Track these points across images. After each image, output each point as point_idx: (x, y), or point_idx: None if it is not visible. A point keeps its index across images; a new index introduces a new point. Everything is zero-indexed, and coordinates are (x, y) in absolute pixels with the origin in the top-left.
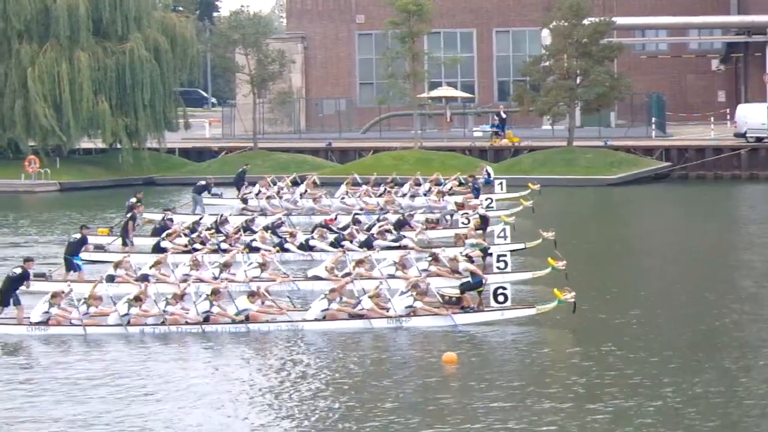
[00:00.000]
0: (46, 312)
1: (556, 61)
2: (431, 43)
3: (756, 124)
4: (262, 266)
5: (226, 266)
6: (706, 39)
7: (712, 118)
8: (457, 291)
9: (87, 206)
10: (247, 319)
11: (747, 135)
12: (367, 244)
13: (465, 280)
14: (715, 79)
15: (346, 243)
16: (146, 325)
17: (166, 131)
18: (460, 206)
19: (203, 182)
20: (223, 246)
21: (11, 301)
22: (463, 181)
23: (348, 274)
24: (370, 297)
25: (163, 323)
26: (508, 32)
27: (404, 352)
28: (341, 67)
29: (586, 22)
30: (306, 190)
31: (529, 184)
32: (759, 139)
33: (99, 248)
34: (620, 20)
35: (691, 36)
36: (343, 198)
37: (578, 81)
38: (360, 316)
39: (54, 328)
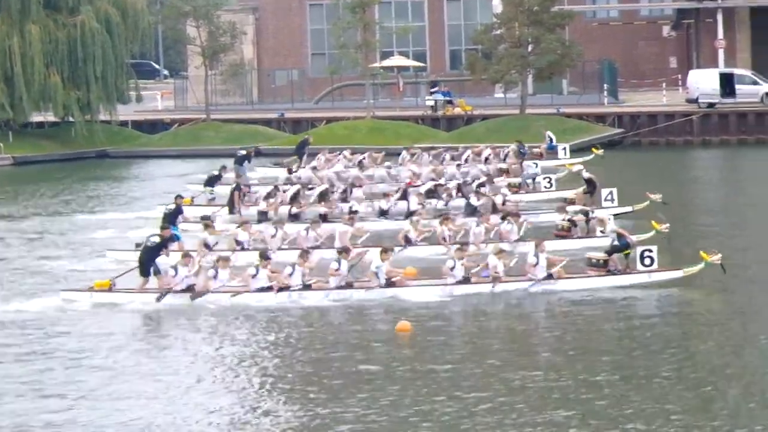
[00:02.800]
0: (187, 277)
1: (508, 30)
2: (382, 12)
3: (708, 89)
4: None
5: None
6: (657, 5)
7: (663, 85)
8: (605, 255)
9: (44, 180)
10: (391, 284)
11: (699, 101)
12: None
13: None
14: (667, 46)
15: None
16: (327, 289)
17: (119, 104)
18: (506, 172)
19: (243, 152)
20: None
21: (151, 270)
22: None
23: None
24: (495, 254)
25: (308, 287)
26: (460, 0)
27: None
28: (293, 37)
29: None
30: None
31: (593, 149)
32: (711, 105)
33: (205, 219)
34: None
35: (641, 2)
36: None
37: (530, 49)
38: (494, 280)
39: (207, 296)
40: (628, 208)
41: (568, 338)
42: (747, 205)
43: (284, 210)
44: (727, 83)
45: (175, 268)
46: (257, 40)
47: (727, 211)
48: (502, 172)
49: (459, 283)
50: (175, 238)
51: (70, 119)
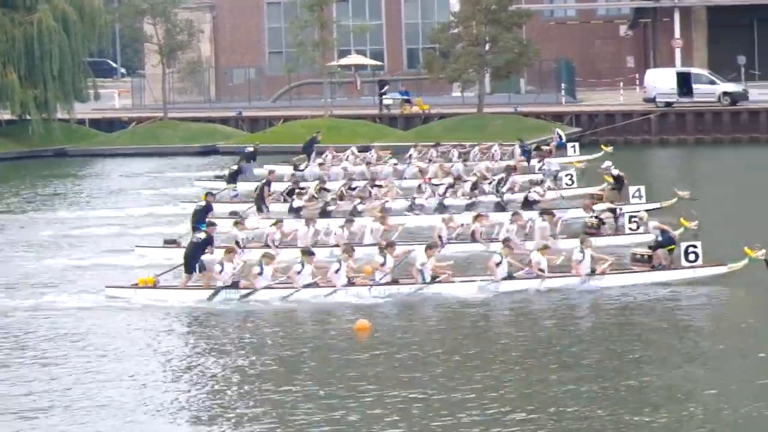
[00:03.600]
0: (233, 273)
1: (465, 28)
2: (340, 11)
3: (665, 88)
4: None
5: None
6: (614, 4)
7: (621, 84)
8: (649, 250)
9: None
10: (435, 280)
11: (656, 100)
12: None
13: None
14: (624, 45)
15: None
16: (370, 285)
17: (76, 102)
18: (513, 169)
19: (250, 148)
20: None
21: (197, 266)
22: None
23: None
24: (539, 251)
25: (353, 284)
26: None
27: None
28: (250, 35)
29: None
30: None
31: (603, 146)
32: (668, 104)
33: (234, 214)
34: None
35: (599, 2)
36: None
37: (487, 48)
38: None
39: (250, 292)
40: (657, 205)
41: (614, 334)
42: (712, 202)
43: (313, 207)
44: (684, 82)
45: (221, 263)
46: (214, 38)
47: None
48: (509, 169)
49: (504, 279)
50: None
51: (27, 117)
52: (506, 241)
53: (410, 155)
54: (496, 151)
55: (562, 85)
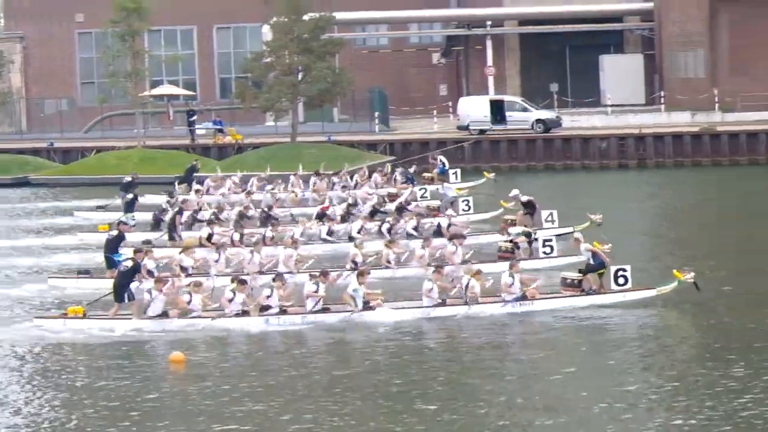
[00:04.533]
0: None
1: (278, 57)
2: (152, 40)
3: (478, 116)
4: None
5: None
6: (427, 33)
7: (434, 112)
8: (579, 274)
9: None
10: (368, 307)
11: (470, 127)
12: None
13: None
14: (437, 73)
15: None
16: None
17: None
18: (393, 196)
19: (129, 178)
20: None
21: (126, 296)
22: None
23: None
24: (472, 275)
25: (284, 312)
26: (229, 28)
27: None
28: (62, 66)
29: (306, 17)
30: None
31: (485, 173)
32: (482, 132)
33: (147, 243)
34: (340, 15)
35: (411, 30)
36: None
37: (300, 77)
38: (470, 302)
39: (178, 321)
40: (569, 229)
41: (540, 358)
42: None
43: (226, 235)
44: (498, 110)
45: (150, 292)
46: (25, 69)
47: None
48: (390, 196)
49: (437, 305)
50: (118, 264)
51: None
52: (438, 267)
53: (291, 183)
54: (375, 177)
55: (376, 113)
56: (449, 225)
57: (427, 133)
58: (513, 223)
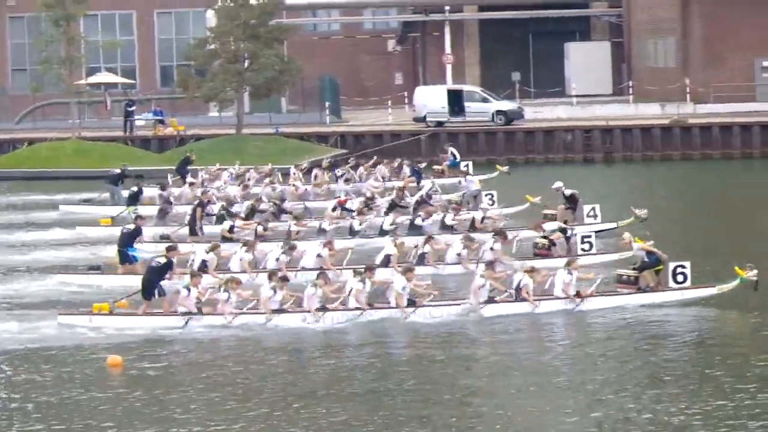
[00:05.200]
0: (197, 300)
1: (223, 44)
2: (88, 25)
3: (435, 107)
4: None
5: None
6: (382, 18)
7: (389, 102)
8: (635, 271)
9: None
10: (413, 303)
11: (427, 119)
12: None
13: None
14: (392, 61)
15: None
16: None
17: None
18: (402, 189)
19: (117, 170)
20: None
21: (156, 292)
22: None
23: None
24: (526, 272)
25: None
26: (171, 14)
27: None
28: None
29: (253, 2)
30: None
31: (498, 166)
32: (439, 124)
33: (165, 238)
34: (290, 0)
35: (365, 15)
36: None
37: (246, 65)
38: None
39: (208, 318)
40: (612, 225)
41: (597, 358)
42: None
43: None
44: (456, 101)
45: (188, 288)
46: None
47: None
48: (398, 190)
49: (486, 302)
50: (134, 259)
51: None
52: (489, 264)
53: (293, 174)
54: (381, 169)
55: (326, 104)
56: (483, 219)
57: (382, 124)
58: (552, 218)
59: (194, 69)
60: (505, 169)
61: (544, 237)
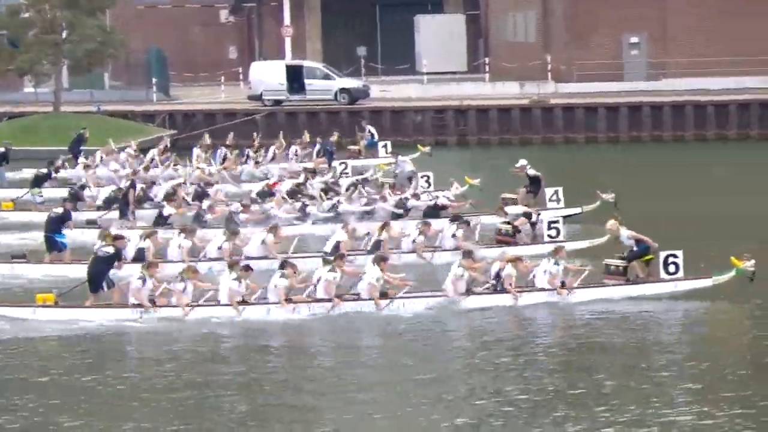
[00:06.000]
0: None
1: (38, 12)
2: None
3: (273, 84)
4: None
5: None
6: None
7: (222, 78)
8: (623, 261)
9: None
10: (384, 296)
11: (263, 98)
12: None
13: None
14: (225, 33)
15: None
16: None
17: None
18: (312, 172)
19: (2, 149)
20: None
21: (104, 284)
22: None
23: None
24: (510, 262)
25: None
26: None
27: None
28: None
29: None
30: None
31: (419, 146)
32: (277, 102)
33: (91, 223)
34: None
35: None
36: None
37: (64, 35)
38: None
39: (164, 310)
40: (577, 209)
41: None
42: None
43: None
44: (296, 77)
45: (143, 279)
46: None
47: None
48: (308, 172)
49: (465, 294)
50: (62, 246)
51: None
52: (467, 253)
53: (197, 156)
54: (296, 149)
55: (153, 80)
56: (444, 204)
57: (214, 103)
58: (513, 202)
59: (7, 39)
60: (427, 149)
61: (508, 223)
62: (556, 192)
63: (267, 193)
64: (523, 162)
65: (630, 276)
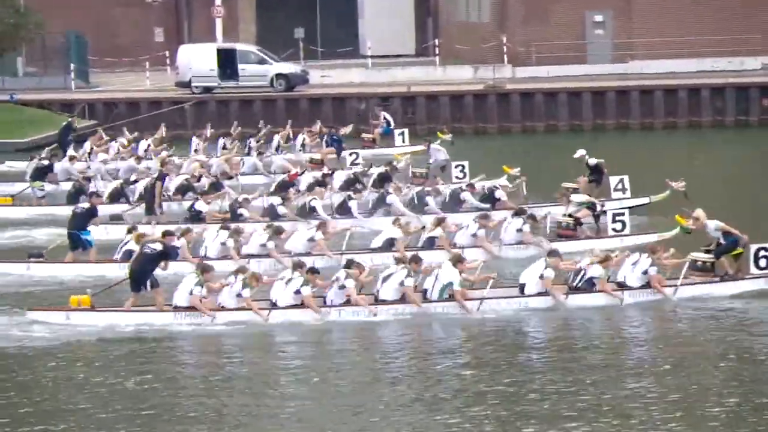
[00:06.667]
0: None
1: None
2: None
3: (203, 70)
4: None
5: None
6: None
7: (147, 64)
8: (710, 256)
9: None
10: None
11: (192, 84)
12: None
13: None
14: (151, 14)
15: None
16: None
17: None
18: (319, 162)
19: None
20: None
21: (148, 283)
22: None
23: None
24: (600, 262)
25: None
26: None
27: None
28: None
29: None
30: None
31: (439, 133)
32: (207, 89)
33: (116, 219)
34: None
35: None
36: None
37: None
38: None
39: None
40: (645, 200)
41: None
42: None
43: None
44: (228, 62)
45: (200, 284)
46: None
47: None
48: (314, 163)
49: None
50: (86, 243)
51: None
52: (553, 252)
53: (197, 146)
54: (304, 138)
55: (72, 65)
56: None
57: (138, 90)
58: (574, 191)
59: None
60: (448, 137)
61: (569, 215)
62: (621, 181)
63: (287, 185)
64: (582, 152)
65: (718, 272)
